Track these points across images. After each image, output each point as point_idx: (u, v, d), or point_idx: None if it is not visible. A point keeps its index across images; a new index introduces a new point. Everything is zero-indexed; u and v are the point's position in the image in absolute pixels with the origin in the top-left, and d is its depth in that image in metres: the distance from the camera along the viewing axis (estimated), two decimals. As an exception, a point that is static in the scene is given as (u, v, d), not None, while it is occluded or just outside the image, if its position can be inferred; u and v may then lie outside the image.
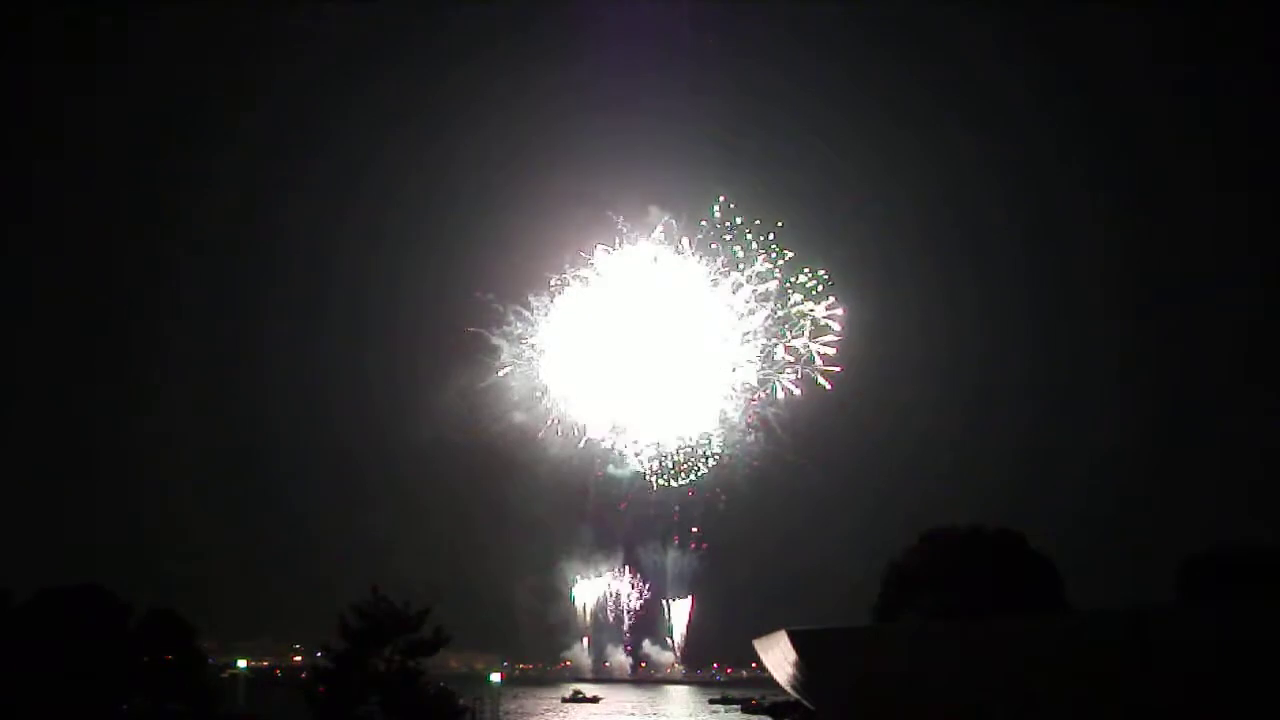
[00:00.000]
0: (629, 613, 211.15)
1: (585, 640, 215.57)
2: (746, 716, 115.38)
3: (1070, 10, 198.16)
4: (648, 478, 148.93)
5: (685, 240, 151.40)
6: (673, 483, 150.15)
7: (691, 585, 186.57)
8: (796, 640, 34.22)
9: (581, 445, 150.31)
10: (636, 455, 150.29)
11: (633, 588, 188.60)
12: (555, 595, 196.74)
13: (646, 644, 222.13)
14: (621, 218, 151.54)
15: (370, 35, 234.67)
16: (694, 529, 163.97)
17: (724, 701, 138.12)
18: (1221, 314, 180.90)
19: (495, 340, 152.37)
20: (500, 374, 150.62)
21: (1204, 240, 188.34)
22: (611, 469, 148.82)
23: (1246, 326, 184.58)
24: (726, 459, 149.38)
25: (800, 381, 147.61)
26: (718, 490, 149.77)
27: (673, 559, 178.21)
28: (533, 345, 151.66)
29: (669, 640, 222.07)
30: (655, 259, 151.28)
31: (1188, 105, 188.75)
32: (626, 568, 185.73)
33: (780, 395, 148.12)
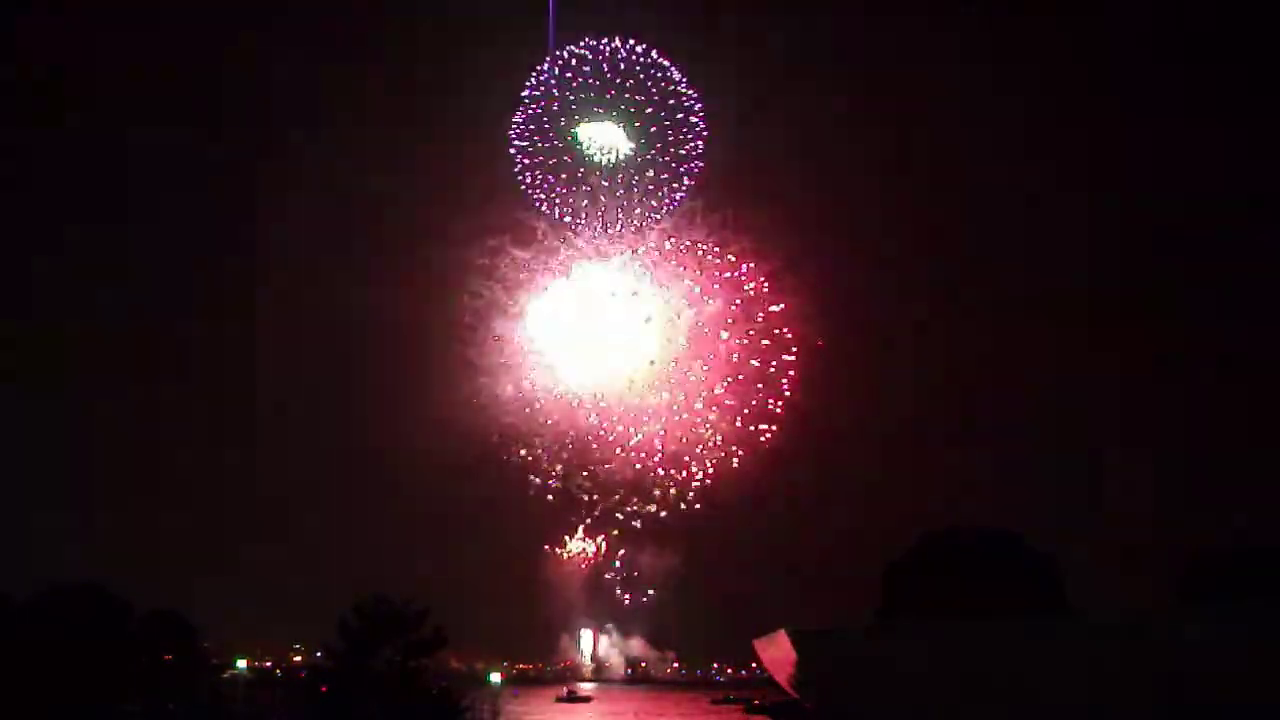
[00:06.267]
0: (617, 611, 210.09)
1: (582, 639, 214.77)
2: (747, 717, 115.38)
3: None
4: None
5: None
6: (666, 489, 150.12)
7: (677, 584, 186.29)
8: (796, 640, 34.27)
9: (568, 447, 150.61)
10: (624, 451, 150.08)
11: (620, 587, 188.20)
12: (546, 593, 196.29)
13: (644, 645, 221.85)
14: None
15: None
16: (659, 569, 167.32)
17: (726, 701, 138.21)
18: (1221, 313, 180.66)
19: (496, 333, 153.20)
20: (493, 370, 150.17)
21: (1203, 240, 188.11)
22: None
23: (1247, 326, 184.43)
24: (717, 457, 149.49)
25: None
26: (709, 488, 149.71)
27: (654, 558, 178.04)
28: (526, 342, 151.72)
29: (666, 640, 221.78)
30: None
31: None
32: (618, 563, 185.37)
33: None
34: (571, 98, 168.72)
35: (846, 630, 38.97)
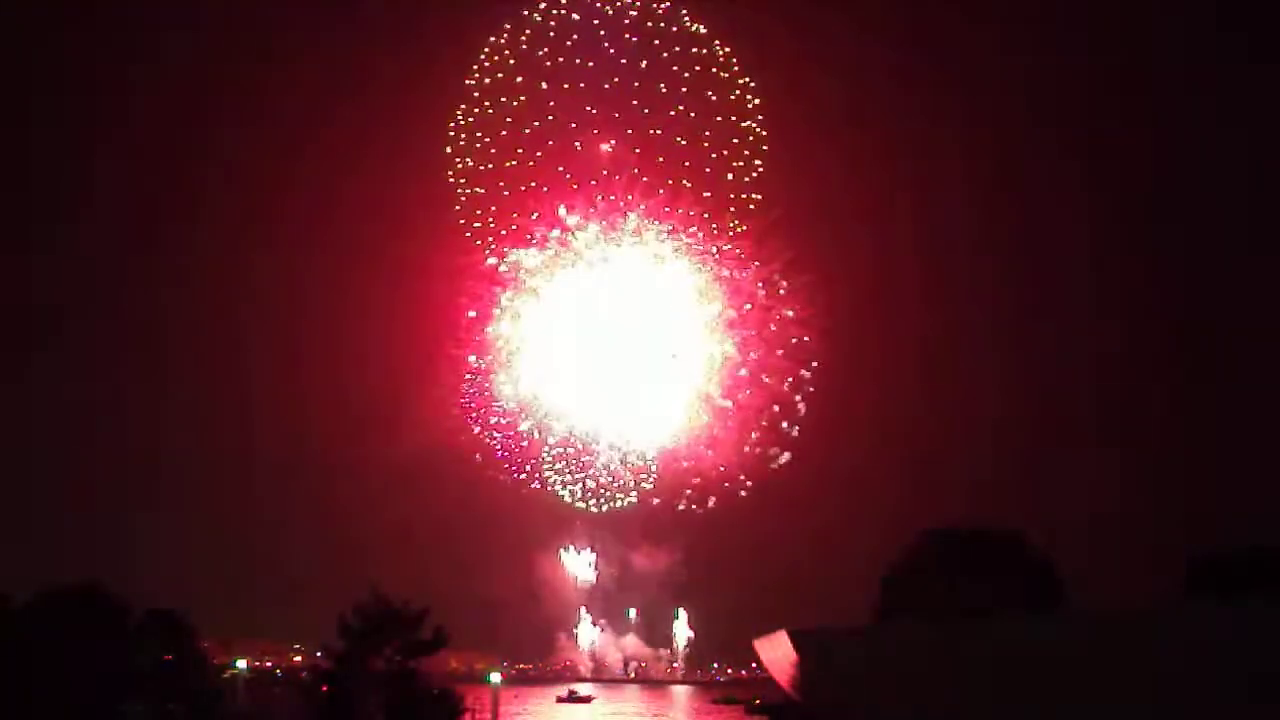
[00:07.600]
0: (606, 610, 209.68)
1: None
2: (748, 717, 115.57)
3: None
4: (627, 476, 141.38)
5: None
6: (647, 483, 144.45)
7: (674, 587, 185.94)
8: (796, 640, 34.23)
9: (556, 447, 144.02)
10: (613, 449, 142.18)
11: (613, 586, 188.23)
12: (540, 593, 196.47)
13: (643, 643, 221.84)
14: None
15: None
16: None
17: (728, 701, 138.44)
18: (1219, 312, 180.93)
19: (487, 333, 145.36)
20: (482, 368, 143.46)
21: (1200, 241, 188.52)
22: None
23: (1247, 326, 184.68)
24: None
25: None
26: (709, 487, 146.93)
27: (651, 558, 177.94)
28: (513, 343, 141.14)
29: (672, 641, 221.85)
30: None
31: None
32: (607, 569, 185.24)
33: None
34: (545, 85, 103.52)
35: (846, 630, 38.92)
